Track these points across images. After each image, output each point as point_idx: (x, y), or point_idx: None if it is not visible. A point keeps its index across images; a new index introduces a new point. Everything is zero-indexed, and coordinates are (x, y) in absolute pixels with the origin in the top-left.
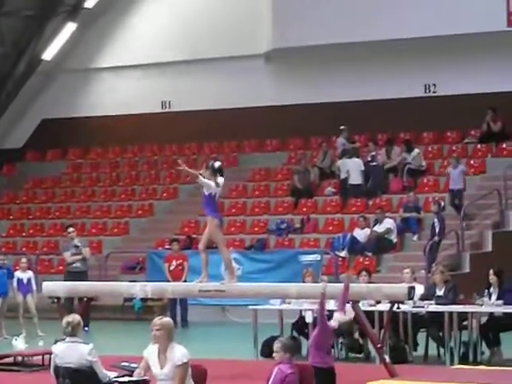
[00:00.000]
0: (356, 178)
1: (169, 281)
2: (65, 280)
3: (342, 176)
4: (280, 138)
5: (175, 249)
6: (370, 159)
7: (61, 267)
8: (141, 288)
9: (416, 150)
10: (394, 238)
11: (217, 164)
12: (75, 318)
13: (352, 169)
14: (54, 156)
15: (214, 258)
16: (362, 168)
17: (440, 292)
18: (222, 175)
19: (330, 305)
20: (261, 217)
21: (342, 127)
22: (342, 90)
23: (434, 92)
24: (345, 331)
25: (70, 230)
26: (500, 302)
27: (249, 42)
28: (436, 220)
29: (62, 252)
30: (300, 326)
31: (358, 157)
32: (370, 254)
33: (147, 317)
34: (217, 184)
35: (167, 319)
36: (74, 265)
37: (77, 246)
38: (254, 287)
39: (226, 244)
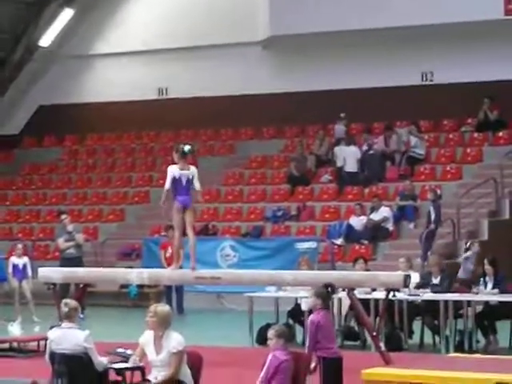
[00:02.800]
0: (352, 166)
1: (165, 267)
2: (60, 266)
3: (339, 164)
4: (277, 125)
5: (171, 236)
6: (367, 148)
7: (57, 253)
8: (137, 274)
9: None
10: (390, 226)
11: (186, 148)
12: (73, 301)
13: (348, 156)
14: (51, 142)
15: (209, 244)
16: (359, 156)
17: (436, 280)
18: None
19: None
20: (257, 204)
21: (341, 115)
22: (339, 78)
23: (431, 80)
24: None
25: (63, 216)
26: (495, 290)
27: (246, 29)
28: (432, 208)
29: (56, 239)
30: (296, 313)
31: (354, 144)
32: (366, 242)
33: (143, 303)
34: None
35: (163, 307)
36: (68, 251)
37: (70, 233)
38: (249, 274)
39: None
